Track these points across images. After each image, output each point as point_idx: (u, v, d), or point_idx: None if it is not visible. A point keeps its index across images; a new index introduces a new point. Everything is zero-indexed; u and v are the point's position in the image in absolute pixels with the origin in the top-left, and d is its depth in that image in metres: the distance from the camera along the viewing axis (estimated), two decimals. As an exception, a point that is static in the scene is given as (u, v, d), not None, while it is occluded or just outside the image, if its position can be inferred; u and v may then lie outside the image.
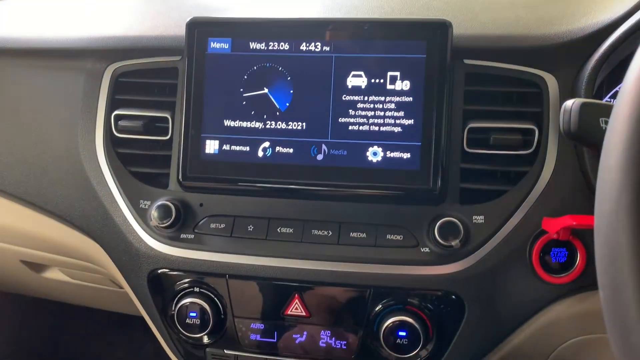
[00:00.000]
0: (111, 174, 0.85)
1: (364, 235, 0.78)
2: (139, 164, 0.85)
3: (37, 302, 1.42)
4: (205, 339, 0.83)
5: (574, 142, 0.75)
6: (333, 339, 0.79)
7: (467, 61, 0.79)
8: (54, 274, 1.13)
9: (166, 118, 0.84)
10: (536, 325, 0.78)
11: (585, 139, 0.55)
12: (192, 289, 0.81)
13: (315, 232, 0.79)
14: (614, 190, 0.41)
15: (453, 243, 0.74)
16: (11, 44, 0.94)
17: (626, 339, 0.41)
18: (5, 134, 0.94)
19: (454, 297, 0.76)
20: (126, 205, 0.84)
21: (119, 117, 0.86)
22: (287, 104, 0.79)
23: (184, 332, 0.82)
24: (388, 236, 0.77)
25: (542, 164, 0.76)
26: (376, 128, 0.77)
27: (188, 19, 0.80)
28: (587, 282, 0.75)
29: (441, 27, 0.75)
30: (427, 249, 0.76)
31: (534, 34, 0.77)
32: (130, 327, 1.66)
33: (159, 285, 0.84)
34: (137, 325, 1.48)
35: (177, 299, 0.81)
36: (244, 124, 0.79)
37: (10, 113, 0.94)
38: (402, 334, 0.75)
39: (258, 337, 0.81)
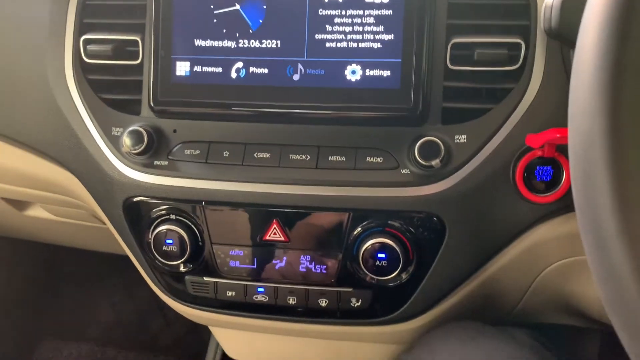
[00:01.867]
0: (82, 101, 0.82)
1: (343, 158, 0.75)
2: (110, 90, 0.82)
3: (28, 245, 1.41)
4: (183, 267, 0.82)
5: (560, 49, 0.71)
6: (313, 263, 0.78)
7: (450, -29, 0.74)
8: (37, 212, 1.12)
9: (136, 41, 0.80)
10: (520, 247, 0.77)
11: (567, 36, 0.52)
12: (168, 216, 0.80)
13: (293, 156, 0.77)
14: (589, 67, 0.38)
15: (433, 163, 0.71)
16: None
17: (598, 232, 0.39)
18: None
19: (434, 218, 0.74)
20: (98, 132, 0.81)
21: (88, 42, 0.82)
22: (260, 21, 0.75)
23: (160, 259, 0.80)
24: (368, 159, 0.75)
25: (529, 80, 0.72)
26: (355, 45, 0.73)
27: None
28: (572, 201, 0.72)
29: None
30: (407, 171, 0.74)
31: None
32: (127, 270, 1.66)
33: (135, 214, 0.82)
34: (133, 269, 1.48)
35: (153, 226, 0.80)
36: (216, 44, 0.76)
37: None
38: (382, 256, 0.73)
39: (237, 264, 0.80)
